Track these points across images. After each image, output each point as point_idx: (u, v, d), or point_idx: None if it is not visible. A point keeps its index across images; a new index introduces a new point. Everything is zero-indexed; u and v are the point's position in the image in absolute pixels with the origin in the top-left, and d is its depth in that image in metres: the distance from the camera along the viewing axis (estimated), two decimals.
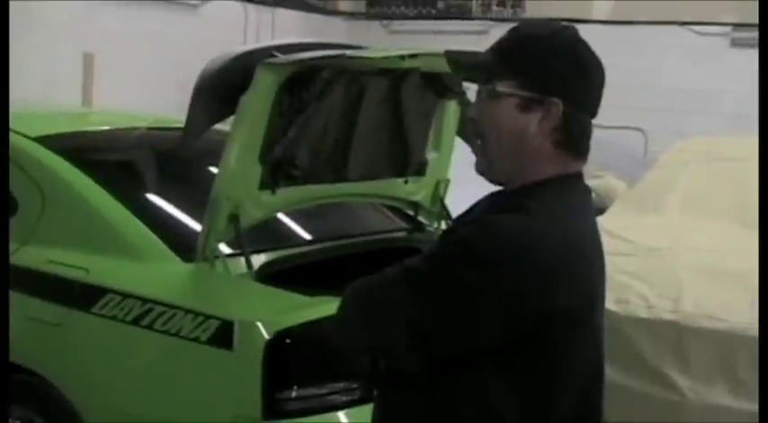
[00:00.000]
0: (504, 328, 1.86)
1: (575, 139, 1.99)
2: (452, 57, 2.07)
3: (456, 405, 1.94)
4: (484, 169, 2.02)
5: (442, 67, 2.22)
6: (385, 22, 10.17)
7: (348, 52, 3.11)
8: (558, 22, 2.08)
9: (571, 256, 1.91)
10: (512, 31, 2.02)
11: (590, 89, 1.99)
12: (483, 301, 1.85)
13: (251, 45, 3.43)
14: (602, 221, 5.71)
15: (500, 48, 2.00)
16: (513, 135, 1.96)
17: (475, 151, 2.04)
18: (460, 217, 2.11)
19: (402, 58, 3.26)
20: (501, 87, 1.96)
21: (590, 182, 6.41)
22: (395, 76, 3.47)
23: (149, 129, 4.32)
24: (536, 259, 1.85)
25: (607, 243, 5.17)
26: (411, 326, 1.89)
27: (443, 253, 1.93)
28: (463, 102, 3.50)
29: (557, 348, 1.93)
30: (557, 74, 1.94)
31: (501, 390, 1.90)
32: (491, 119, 1.98)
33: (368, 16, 10.33)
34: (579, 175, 2.04)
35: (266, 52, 3.13)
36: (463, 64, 2.09)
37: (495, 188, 2.06)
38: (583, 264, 1.96)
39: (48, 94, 7.20)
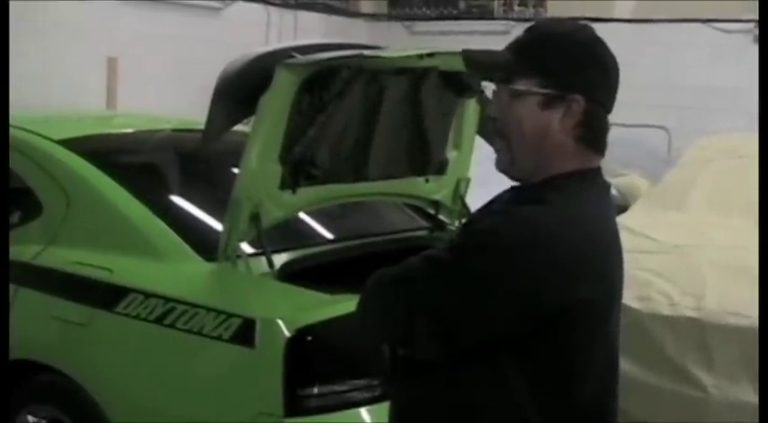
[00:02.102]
0: (524, 318, 1.88)
1: (595, 135, 2.01)
2: (469, 56, 2.09)
3: (476, 394, 1.96)
4: (506, 167, 2.04)
5: (461, 66, 2.24)
6: (406, 23, 10.19)
7: (366, 52, 3.13)
8: (575, 21, 2.11)
9: (591, 249, 1.93)
10: (529, 29, 2.05)
11: (608, 86, 2.02)
12: (504, 290, 1.87)
13: (270, 46, 3.46)
14: (625, 219, 5.73)
15: (519, 46, 2.02)
16: (537, 132, 1.98)
17: (496, 149, 2.06)
18: (481, 209, 2.13)
19: (420, 57, 3.28)
20: (522, 86, 1.98)
21: (613, 180, 6.44)
22: (414, 75, 3.49)
23: (172, 130, 4.35)
24: (557, 250, 1.87)
25: (629, 240, 5.18)
26: (433, 315, 1.92)
27: (465, 243, 1.96)
28: (482, 100, 3.51)
29: (576, 340, 1.95)
30: (577, 71, 1.97)
31: (520, 379, 1.92)
32: (513, 117, 2.00)
33: (389, 17, 10.34)
34: (598, 170, 2.07)
35: (285, 53, 3.16)
36: (481, 63, 2.11)
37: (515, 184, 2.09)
38: (602, 257, 1.98)
39: (72, 97, 7.26)
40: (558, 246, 1.87)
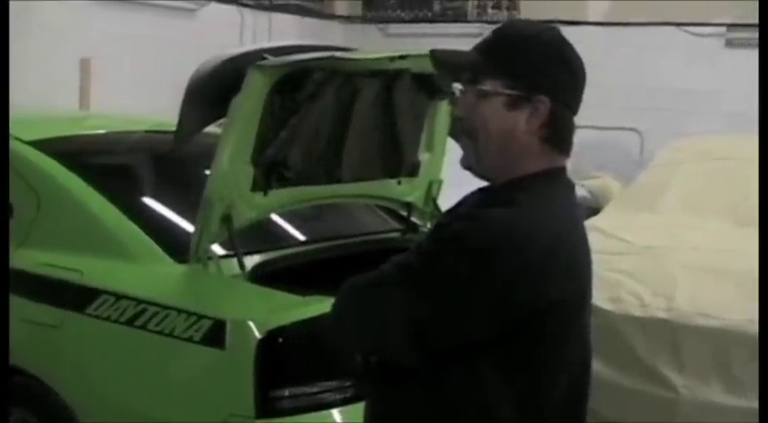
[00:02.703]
0: (499, 320, 1.89)
1: (560, 135, 2.03)
2: (437, 56, 2.10)
3: (452, 398, 1.96)
4: (471, 164, 2.06)
5: (432, 68, 2.25)
6: (381, 25, 10.19)
7: (338, 54, 3.14)
8: (542, 23, 2.12)
9: (561, 249, 1.94)
10: (496, 31, 2.06)
11: (574, 87, 2.04)
12: (477, 293, 1.88)
13: (242, 47, 3.45)
14: (597, 221, 5.76)
15: (485, 47, 2.03)
16: (502, 133, 1.99)
17: (462, 147, 2.07)
18: (449, 212, 2.13)
19: (392, 59, 3.29)
20: (488, 86, 1.99)
21: (586, 182, 6.48)
22: (386, 77, 3.49)
23: (144, 132, 4.34)
24: (528, 251, 1.88)
25: (601, 242, 5.25)
26: (407, 322, 1.91)
27: (435, 248, 1.96)
28: (454, 102, 3.51)
29: (550, 340, 1.96)
30: (543, 72, 1.98)
31: (496, 382, 1.93)
32: (479, 117, 2.01)
33: (364, 19, 10.33)
34: (564, 170, 2.08)
35: (257, 55, 3.16)
36: (448, 63, 2.12)
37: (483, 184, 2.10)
38: (571, 256, 2.00)
39: (45, 98, 7.21)
40: (528, 247, 1.88)
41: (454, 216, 2.06)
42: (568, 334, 2.00)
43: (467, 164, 2.07)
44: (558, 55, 2.01)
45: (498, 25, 2.09)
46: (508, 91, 1.98)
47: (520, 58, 1.99)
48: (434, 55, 2.10)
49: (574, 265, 2.00)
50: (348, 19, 10.40)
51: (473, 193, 2.09)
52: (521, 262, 1.87)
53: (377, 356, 2.09)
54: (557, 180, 2.05)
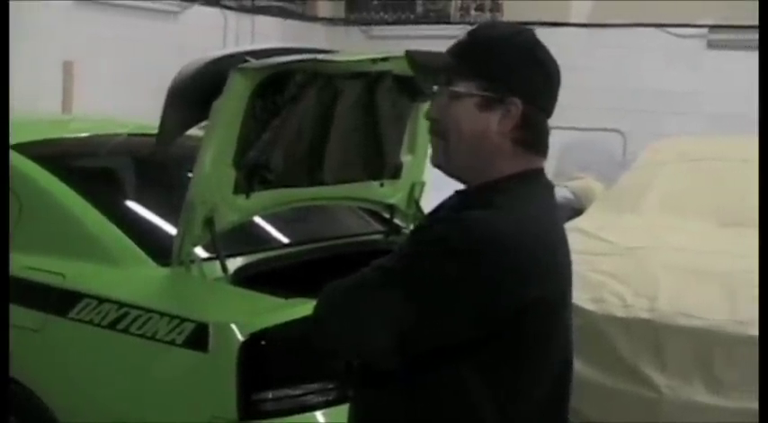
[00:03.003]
0: (481, 322, 1.89)
1: (534, 137, 2.03)
2: (412, 58, 2.11)
3: (434, 400, 1.96)
4: (441, 163, 2.07)
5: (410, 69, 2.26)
6: (364, 27, 10.20)
7: (319, 56, 3.14)
8: (516, 25, 2.13)
9: (540, 249, 1.95)
10: (470, 33, 2.06)
11: (548, 89, 2.04)
12: (459, 295, 1.88)
13: (224, 50, 3.45)
14: (580, 222, 5.78)
15: (459, 49, 2.04)
16: (475, 134, 2.00)
17: (432, 146, 2.08)
18: (429, 215, 2.14)
19: (373, 61, 3.29)
20: (461, 88, 2.00)
21: (568, 183, 6.48)
22: (368, 79, 3.49)
23: (129, 135, 4.33)
24: (507, 253, 1.88)
25: (584, 243, 5.28)
26: (389, 325, 1.91)
27: (417, 251, 1.96)
28: None
29: (532, 340, 1.96)
30: (516, 74, 1.99)
31: (479, 383, 1.93)
32: (452, 119, 2.02)
33: (347, 22, 10.34)
34: (541, 171, 2.08)
35: (239, 57, 3.15)
36: (423, 65, 2.13)
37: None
38: (551, 256, 2.00)
39: (28, 101, 7.19)
40: (507, 248, 1.89)
41: (434, 219, 2.07)
42: (550, 334, 2.01)
43: (436, 162, 2.08)
44: (531, 57, 2.01)
45: (473, 27, 2.10)
46: (480, 92, 1.98)
47: (492, 60, 1.99)
48: (410, 56, 2.11)
49: (554, 265, 2.01)
50: (331, 21, 10.40)
51: (451, 197, 2.10)
52: (502, 263, 1.88)
53: (359, 359, 2.09)
54: (534, 181, 2.05)
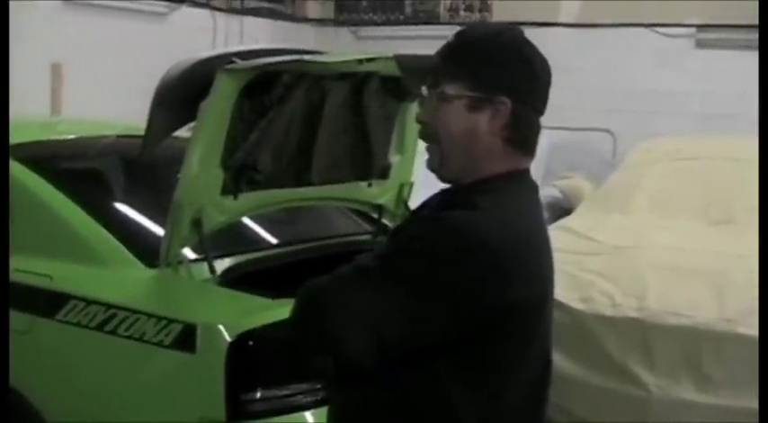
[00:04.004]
0: (460, 323, 1.90)
1: (523, 137, 2.04)
2: (401, 61, 2.12)
3: (412, 400, 1.96)
4: (436, 167, 2.07)
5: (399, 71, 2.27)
6: (353, 28, 10.20)
7: (306, 57, 3.14)
8: (503, 24, 2.14)
9: (523, 250, 1.95)
10: (458, 34, 2.07)
11: (536, 87, 2.04)
12: (438, 295, 1.88)
13: (211, 51, 3.45)
14: (569, 221, 5.80)
15: (447, 51, 2.05)
16: (464, 135, 2.01)
17: (428, 151, 2.09)
18: (412, 213, 2.15)
19: (360, 61, 3.29)
20: (450, 90, 2.00)
21: (557, 183, 6.48)
22: (356, 80, 3.50)
23: (117, 136, 4.33)
24: (487, 253, 1.88)
25: (573, 242, 5.29)
26: (365, 325, 1.91)
27: (396, 250, 1.97)
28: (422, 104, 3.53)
29: (511, 342, 1.97)
30: (503, 73, 1.99)
31: (457, 384, 1.94)
32: (442, 121, 2.02)
33: (336, 22, 10.35)
34: (527, 171, 2.09)
35: (226, 58, 3.15)
36: (412, 68, 2.14)
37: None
38: (533, 257, 2.00)
39: (16, 103, 7.17)
40: (488, 248, 1.89)
41: (416, 218, 2.08)
42: (531, 336, 2.01)
43: (431, 166, 2.08)
44: (519, 56, 2.02)
45: (460, 28, 2.10)
46: (468, 93, 1.99)
47: (479, 60, 2.00)
48: (399, 60, 2.12)
49: (537, 266, 2.01)
50: (320, 22, 10.40)
51: (435, 195, 2.11)
52: (483, 264, 1.88)
53: (337, 359, 2.09)
54: (519, 181, 2.06)
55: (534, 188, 2.11)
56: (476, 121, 2.00)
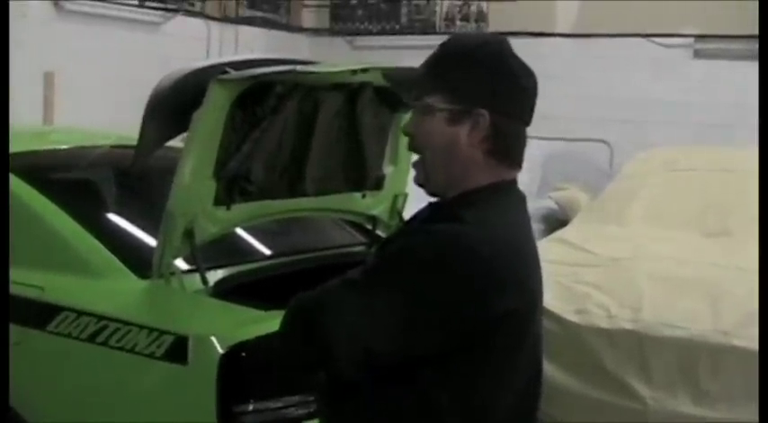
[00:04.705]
0: (446, 335, 1.91)
1: (506, 148, 2.05)
2: (388, 74, 2.14)
3: (399, 413, 1.98)
4: (422, 181, 2.09)
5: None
6: (349, 37, 10.22)
7: (299, 67, 3.15)
8: (489, 34, 2.15)
9: (509, 262, 1.96)
10: (442, 45, 2.09)
11: (519, 98, 2.05)
12: (423, 308, 1.90)
13: (204, 61, 3.47)
14: (565, 233, 5.81)
15: (429, 63, 2.07)
16: (445, 147, 2.02)
17: (414, 165, 2.11)
18: (402, 226, 2.17)
19: (353, 72, 3.31)
20: (430, 101, 2.02)
21: (553, 194, 6.49)
22: (349, 90, 3.51)
23: (111, 147, 4.34)
24: (473, 266, 1.90)
25: (569, 254, 5.29)
26: (352, 337, 1.93)
27: (381, 264, 1.99)
28: None
29: (500, 354, 1.98)
30: (482, 85, 2.01)
31: (445, 397, 1.95)
32: (424, 133, 2.05)
33: (331, 32, 10.36)
34: (513, 182, 2.10)
35: (219, 68, 3.17)
36: (398, 80, 2.16)
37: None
38: (520, 268, 2.01)
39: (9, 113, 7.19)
40: (475, 261, 1.90)
41: (403, 231, 2.10)
42: (519, 348, 2.03)
43: (418, 181, 2.10)
44: (500, 67, 2.03)
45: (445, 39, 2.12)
46: (446, 105, 2.01)
47: (457, 72, 2.02)
48: (386, 73, 2.15)
49: (525, 278, 2.03)
50: (316, 31, 10.42)
51: (423, 209, 2.13)
52: (469, 276, 1.90)
53: (324, 372, 2.10)
54: (505, 193, 2.07)
55: (522, 199, 2.12)
56: (455, 134, 2.01)
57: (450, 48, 2.07)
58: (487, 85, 2.01)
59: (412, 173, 3.89)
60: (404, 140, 3.77)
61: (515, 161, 2.08)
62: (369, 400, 2.00)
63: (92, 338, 3.11)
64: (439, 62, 2.05)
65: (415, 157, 2.15)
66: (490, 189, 2.04)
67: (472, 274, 1.90)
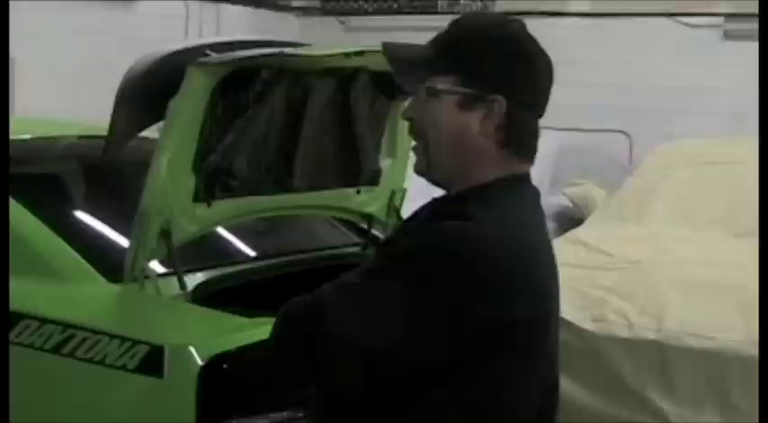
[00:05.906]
0: (450, 343, 1.90)
1: (520, 140, 2.04)
2: (388, 50, 2.12)
3: None
4: (423, 169, 2.08)
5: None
6: (342, 17, 10.22)
7: (287, 50, 3.15)
8: (504, 15, 2.14)
9: (518, 264, 1.95)
10: (452, 23, 2.08)
11: (536, 87, 2.05)
12: (426, 314, 1.89)
13: (182, 43, 3.46)
14: (580, 233, 5.81)
15: (439, 41, 2.06)
16: (454, 135, 2.01)
17: (414, 151, 2.10)
18: (402, 224, 2.16)
19: (347, 55, 3.31)
20: (440, 84, 2.01)
21: (567, 190, 6.50)
22: (342, 76, 3.51)
23: (76, 138, 4.33)
24: (481, 269, 1.89)
25: (584, 256, 5.30)
26: (350, 347, 1.91)
27: (383, 266, 1.98)
28: None
29: (510, 366, 1.97)
30: (499, 69, 2.00)
31: (451, 413, 1.94)
32: (430, 118, 2.03)
33: (323, 11, 10.37)
34: (526, 177, 2.09)
35: (198, 51, 3.16)
36: (400, 59, 2.14)
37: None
38: (532, 271, 2.00)
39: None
40: (481, 264, 1.89)
41: (405, 231, 2.08)
42: (530, 357, 2.01)
43: (418, 169, 2.09)
44: (517, 51, 2.02)
45: (456, 17, 2.11)
46: (460, 89, 2.00)
47: (473, 54, 2.00)
48: (386, 49, 2.12)
49: (538, 283, 2.02)
50: (305, 11, 10.43)
51: (427, 204, 2.11)
52: (474, 281, 1.89)
53: (319, 385, 2.09)
54: (518, 189, 2.07)
55: (536, 195, 2.12)
56: (467, 121, 2.00)
57: (464, 27, 2.06)
58: (505, 70, 2.00)
59: (411, 167, 3.92)
60: (402, 132, 3.83)
61: (528, 154, 2.07)
62: (369, 419, 1.99)
63: (57, 349, 3.10)
64: (450, 42, 2.04)
65: None
66: (502, 184, 2.03)
67: (478, 280, 1.89)
